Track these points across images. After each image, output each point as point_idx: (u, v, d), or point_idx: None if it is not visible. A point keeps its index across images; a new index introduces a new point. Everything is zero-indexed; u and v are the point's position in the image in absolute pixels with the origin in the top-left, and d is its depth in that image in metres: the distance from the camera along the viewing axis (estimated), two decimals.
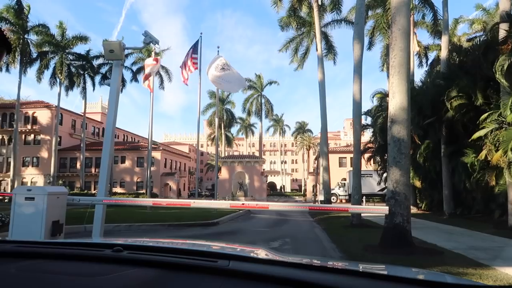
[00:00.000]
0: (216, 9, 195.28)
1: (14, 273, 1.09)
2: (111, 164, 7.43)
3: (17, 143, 41.70)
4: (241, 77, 19.30)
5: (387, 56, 34.72)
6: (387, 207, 7.71)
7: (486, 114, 13.91)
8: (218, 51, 19.32)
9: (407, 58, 8.80)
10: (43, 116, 54.10)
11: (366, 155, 30.16)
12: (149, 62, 18.37)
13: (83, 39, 40.01)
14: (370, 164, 33.97)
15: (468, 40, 27.61)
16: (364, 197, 37.73)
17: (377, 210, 8.39)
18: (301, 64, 31.64)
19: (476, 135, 14.12)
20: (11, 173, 40.66)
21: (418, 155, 20.06)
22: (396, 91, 8.52)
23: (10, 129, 52.89)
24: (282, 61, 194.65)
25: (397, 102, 8.49)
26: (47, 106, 54.59)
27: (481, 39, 18.00)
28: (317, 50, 26.68)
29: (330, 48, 30.73)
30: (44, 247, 1.45)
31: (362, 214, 14.63)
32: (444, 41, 19.58)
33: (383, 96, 25.39)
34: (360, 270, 1.30)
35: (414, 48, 25.95)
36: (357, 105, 14.26)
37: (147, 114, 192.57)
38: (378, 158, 29.81)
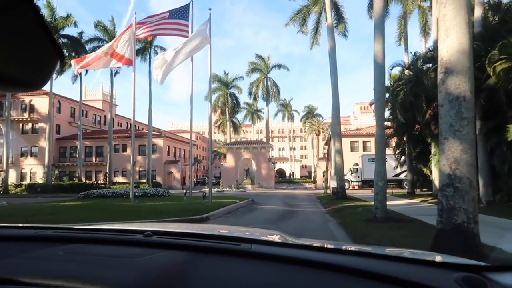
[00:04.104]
0: None
1: (63, 255, 1.18)
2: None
3: (9, 131, 39.56)
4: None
5: (405, 27, 31.58)
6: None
7: None
8: (210, 13, 16.45)
9: None
10: (41, 104, 51.72)
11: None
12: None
13: (68, 18, 37.39)
14: (389, 147, 31.09)
15: None
16: None
17: None
18: (315, 39, 28.37)
19: None
20: (4, 164, 38.55)
21: None
22: (451, 25, 5.70)
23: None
24: (291, 47, 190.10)
25: (453, 43, 5.68)
26: (45, 93, 52.10)
27: None
28: (326, 20, 23.76)
29: (340, 19, 27.57)
30: (81, 233, 1.53)
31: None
32: None
33: (403, 69, 22.39)
34: (385, 254, 1.34)
35: (437, 13, 22.78)
36: (379, 69, 11.41)
37: (157, 103, 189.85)
38: (395, 141, 27.07)
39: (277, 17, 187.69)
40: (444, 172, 5.52)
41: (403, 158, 27.46)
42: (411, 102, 18.40)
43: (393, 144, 28.17)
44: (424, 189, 27.45)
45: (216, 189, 40.00)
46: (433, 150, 20.21)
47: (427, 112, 17.41)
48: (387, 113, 25.73)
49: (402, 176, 39.79)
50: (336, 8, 26.72)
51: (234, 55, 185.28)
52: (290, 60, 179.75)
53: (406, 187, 38.48)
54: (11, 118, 51.33)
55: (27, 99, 52.67)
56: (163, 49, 43.30)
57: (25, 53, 0.68)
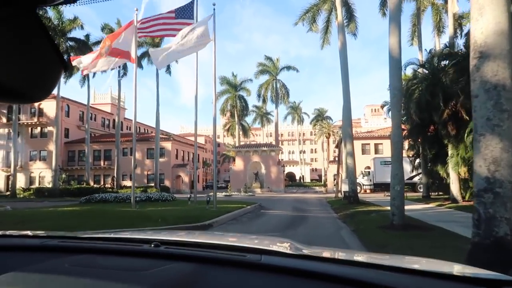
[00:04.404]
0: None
1: (68, 267, 1.15)
2: None
3: (16, 135, 39.45)
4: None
5: (418, 25, 30.52)
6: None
7: None
8: (214, 8, 15.76)
9: None
10: (50, 108, 51.41)
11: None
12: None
13: (75, 20, 37.16)
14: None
15: None
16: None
17: None
18: (325, 39, 27.30)
19: None
20: (11, 168, 38.33)
21: (466, 134, 16.17)
22: (486, 3, 4.86)
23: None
24: (300, 50, 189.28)
25: (488, 23, 4.82)
26: (54, 97, 51.97)
27: None
28: (337, 18, 22.95)
29: (350, 17, 26.65)
30: (87, 243, 1.51)
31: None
32: None
33: (417, 68, 21.42)
34: (401, 266, 1.26)
35: (454, 9, 21.77)
36: (395, 63, 10.53)
37: (167, 107, 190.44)
38: (409, 142, 26.05)
39: (286, 20, 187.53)
40: (481, 174, 4.65)
41: (417, 160, 26.40)
42: (427, 101, 17.43)
43: (407, 146, 27.18)
44: (440, 193, 26.30)
45: (224, 193, 39.27)
46: (450, 151, 19.21)
47: (444, 111, 16.42)
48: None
49: (416, 179, 38.61)
50: (346, 5, 25.87)
51: (243, 59, 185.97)
52: (300, 63, 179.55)
53: (420, 190, 37.27)
54: (21, 122, 51.45)
55: (36, 103, 52.65)
56: None
57: (29, 64, 0.67)
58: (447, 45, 18.76)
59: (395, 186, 10.04)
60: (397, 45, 10.50)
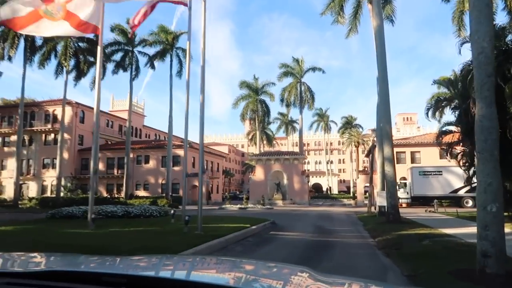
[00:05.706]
0: (263, 13, 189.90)
1: None
2: None
3: (21, 141, 37.15)
4: None
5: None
6: None
7: None
8: None
9: None
10: (65, 114, 49.50)
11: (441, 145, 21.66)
12: None
13: None
14: (448, 159, 25.02)
15: None
16: (435, 200, 28.92)
17: None
18: (353, 26, 22.53)
19: None
20: (14, 176, 35.79)
21: None
22: None
23: (30, 128, 49.19)
24: (329, 61, 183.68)
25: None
26: (68, 103, 49.85)
27: None
28: None
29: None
30: (21, 282, 1.20)
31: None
32: None
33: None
34: None
35: None
36: None
37: (196, 118, 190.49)
38: (462, 148, 21.23)
39: (314, 33, 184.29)
40: None
41: (472, 170, 21.51)
42: (497, 87, 12.83)
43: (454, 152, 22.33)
44: None
45: (238, 206, 35.29)
46: None
47: None
48: (450, 115, 19.93)
49: (462, 192, 33.34)
50: None
51: (272, 70, 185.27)
52: (329, 74, 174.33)
53: (467, 205, 31.99)
54: (35, 128, 49.79)
55: (50, 109, 50.96)
56: (184, 51, 39.79)
57: None
58: None
59: (487, 206, 5.66)
60: None
